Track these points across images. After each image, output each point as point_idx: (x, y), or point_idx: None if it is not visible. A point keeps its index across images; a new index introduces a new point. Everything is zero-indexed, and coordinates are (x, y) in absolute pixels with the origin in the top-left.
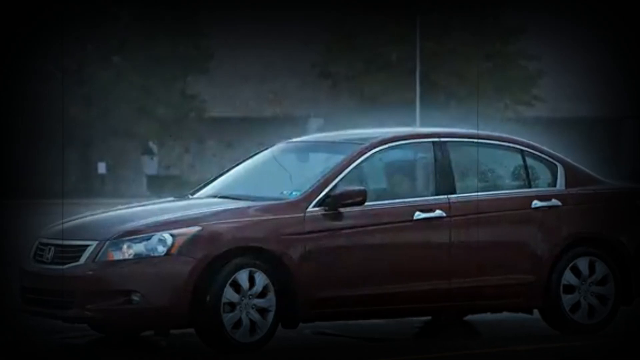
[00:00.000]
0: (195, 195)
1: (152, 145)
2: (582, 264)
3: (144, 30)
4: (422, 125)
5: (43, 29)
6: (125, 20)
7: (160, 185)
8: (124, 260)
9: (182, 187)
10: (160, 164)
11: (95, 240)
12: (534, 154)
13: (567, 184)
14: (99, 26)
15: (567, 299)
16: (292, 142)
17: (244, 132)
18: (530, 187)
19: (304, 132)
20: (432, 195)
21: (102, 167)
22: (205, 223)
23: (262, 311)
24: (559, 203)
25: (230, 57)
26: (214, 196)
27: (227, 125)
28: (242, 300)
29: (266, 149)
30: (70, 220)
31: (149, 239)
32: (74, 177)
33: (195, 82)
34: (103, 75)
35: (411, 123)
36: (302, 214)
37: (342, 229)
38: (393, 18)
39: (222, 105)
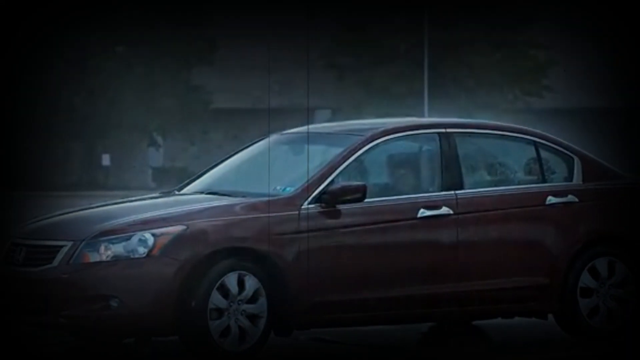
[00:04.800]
0: (182, 191)
1: (157, 137)
2: (601, 264)
3: (148, 21)
4: (431, 116)
5: (46, 19)
6: (129, 11)
7: (165, 177)
8: (101, 262)
9: (188, 179)
10: (166, 156)
11: (70, 240)
12: (548, 145)
13: (585, 178)
14: (103, 16)
15: (584, 303)
16: (287, 133)
17: (250, 124)
18: (544, 181)
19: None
20: (437, 191)
21: (106, 159)
22: (190, 221)
23: (253, 317)
24: (576, 199)
25: (236, 47)
26: (202, 192)
27: (232, 117)
28: (231, 305)
29: (259, 141)
30: (44, 218)
31: (128, 239)
32: (78, 170)
33: (200, 73)
34: (107, 66)
35: (419, 114)
36: (296, 212)
37: (340, 227)
38: (400, 8)
39: (227, 97)
